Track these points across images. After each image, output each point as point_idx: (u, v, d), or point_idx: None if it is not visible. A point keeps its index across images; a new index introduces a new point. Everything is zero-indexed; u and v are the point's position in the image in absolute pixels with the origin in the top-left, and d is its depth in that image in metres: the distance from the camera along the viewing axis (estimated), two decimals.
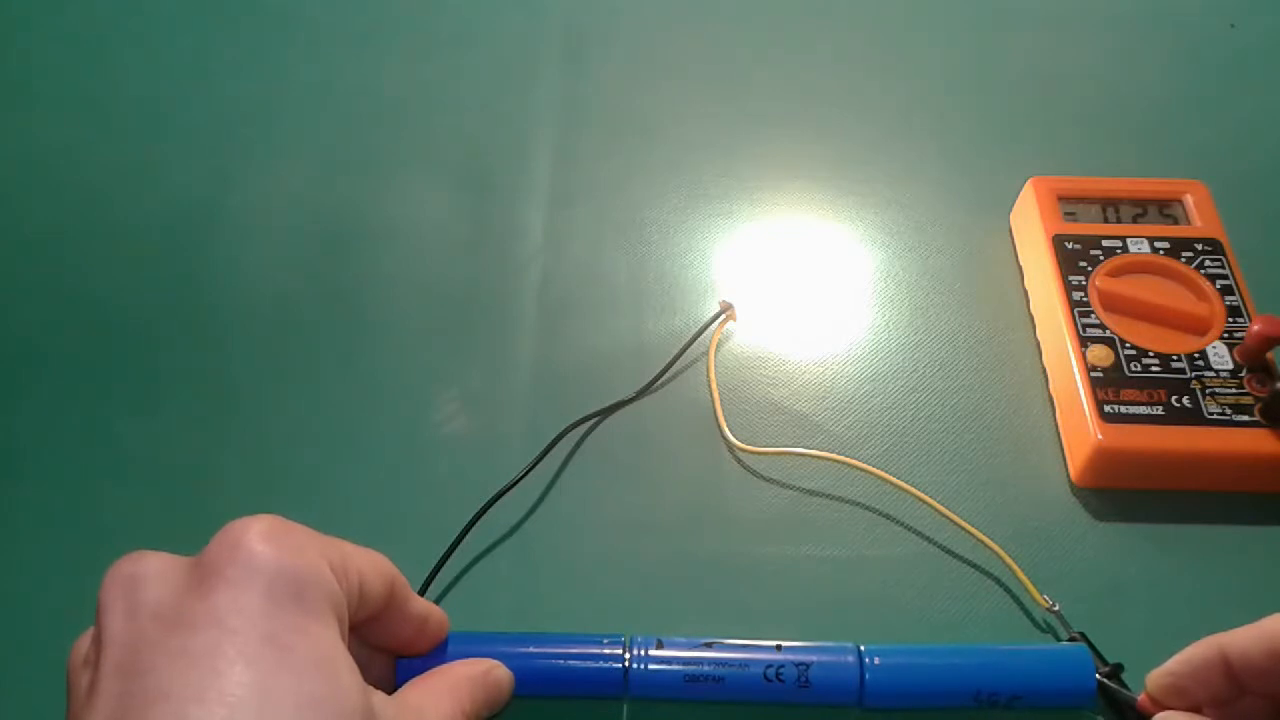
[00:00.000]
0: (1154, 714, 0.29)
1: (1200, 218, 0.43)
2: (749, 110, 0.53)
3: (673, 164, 0.50)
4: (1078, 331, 0.40)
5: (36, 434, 0.41)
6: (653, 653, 0.31)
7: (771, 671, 0.31)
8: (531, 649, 0.31)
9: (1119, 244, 0.42)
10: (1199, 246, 0.42)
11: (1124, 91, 0.53)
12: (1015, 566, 0.35)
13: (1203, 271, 0.41)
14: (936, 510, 0.37)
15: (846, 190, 0.49)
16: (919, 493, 0.37)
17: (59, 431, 0.41)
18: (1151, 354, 0.39)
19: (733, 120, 0.52)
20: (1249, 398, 0.37)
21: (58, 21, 0.58)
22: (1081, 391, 0.38)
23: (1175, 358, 0.39)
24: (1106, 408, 0.37)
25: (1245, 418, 0.37)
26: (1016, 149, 0.50)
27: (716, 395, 0.41)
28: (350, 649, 0.24)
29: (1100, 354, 0.39)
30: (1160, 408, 0.37)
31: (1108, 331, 0.40)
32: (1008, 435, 0.40)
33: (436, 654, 0.31)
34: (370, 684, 0.24)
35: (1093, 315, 0.40)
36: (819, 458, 0.39)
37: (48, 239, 0.48)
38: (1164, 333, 0.40)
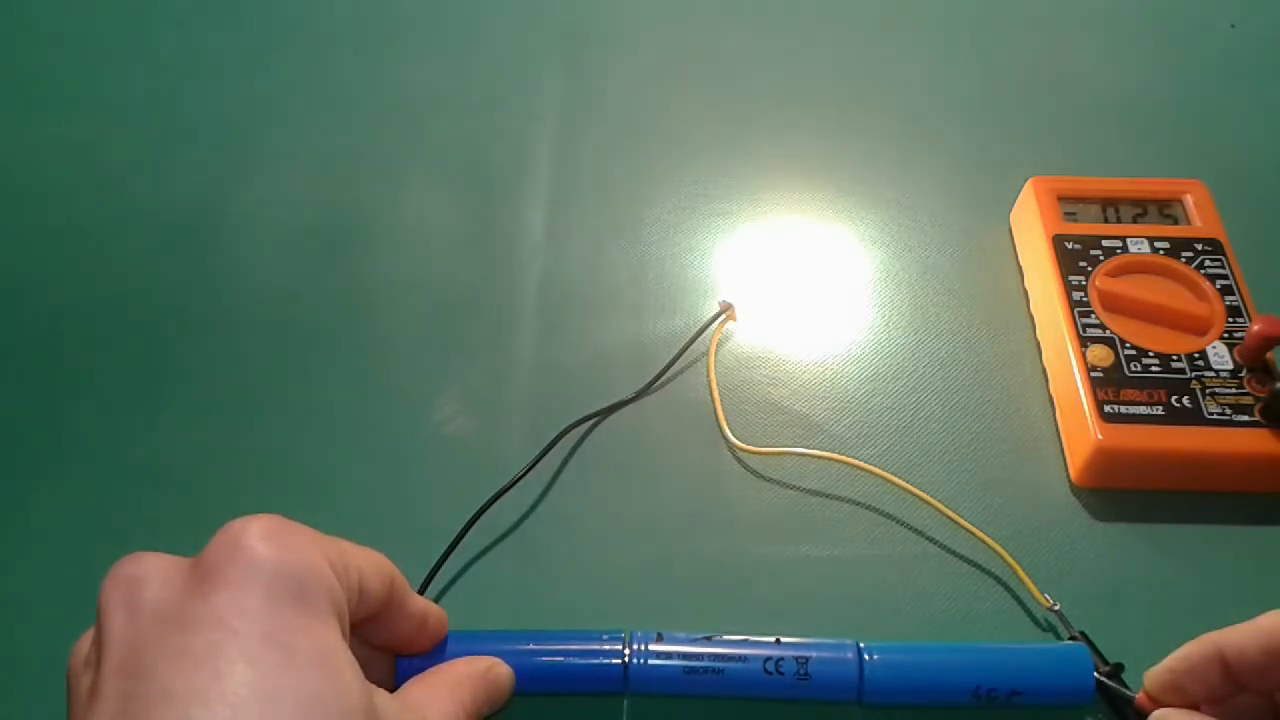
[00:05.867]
0: (1152, 711, 0.29)
1: (1200, 218, 0.43)
2: (749, 110, 0.53)
3: (673, 164, 0.50)
4: (1078, 331, 0.40)
5: (37, 434, 0.41)
6: (652, 647, 0.31)
7: (771, 664, 0.31)
8: (531, 646, 0.31)
9: (1119, 244, 0.42)
10: (1199, 246, 0.42)
11: (1124, 91, 0.53)
12: (1016, 566, 0.35)
13: (1203, 271, 0.41)
14: (937, 510, 0.37)
15: (846, 190, 0.49)
16: (919, 492, 0.37)
17: (60, 431, 0.41)
18: (1151, 354, 0.39)
19: (733, 120, 0.52)
20: (1249, 398, 0.37)
21: (61, 22, 0.58)
22: (1081, 391, 0.38)
23: (1175, 358, 0.39)
24: (1106, 408, 0.37)
25: (1245, 418, 0.37)
26: (1016, 149, 0.50)
27: (716, 395, 0.41)
28: (350, 648, 0.24)
29: (1100, 354, 0.39)
30: (1160, 408, 0.37)
31: (1108, 331, 0.40)
32: (1008, 435, 0.40)
33: (436, 653, 0.31)
34: (371, 683, 0.24)
35: (1093, 315, 0.40)
36: (819, 458, 0.39)
37: (52, 239, 0.48)
38: (1164, 333, 0.40)
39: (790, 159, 0.51)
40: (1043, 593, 0.35)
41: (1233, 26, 0.56)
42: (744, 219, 0.48)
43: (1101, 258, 0.42)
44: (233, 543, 0.23)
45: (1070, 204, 0.44)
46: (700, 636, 0.32)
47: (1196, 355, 0.39)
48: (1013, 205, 0.47)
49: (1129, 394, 0.38)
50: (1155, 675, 0.29)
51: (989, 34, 0.56)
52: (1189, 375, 0.38)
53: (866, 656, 0.31)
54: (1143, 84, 0.53)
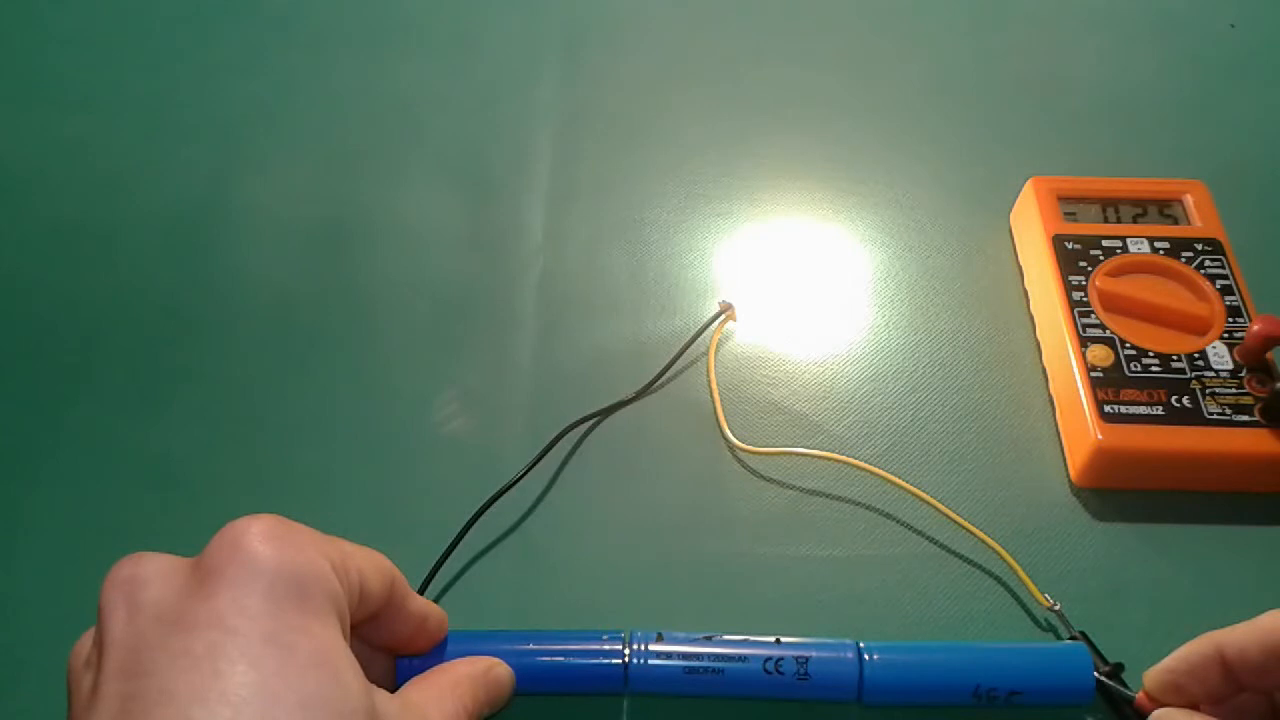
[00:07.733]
0: (1152, 711, 0.29)
1: (1200, 218, 0.43)
2: (749, 110, 0.53)
3: (673, 164, 0.50)
4: (1078, 331, 0.40)
5: (37, 434, 0.41)
6: (652, 646, 0.31)
7: (771, 664, 0.31)
8: (531, 646, 0.31)
9: (1119, 244, 0.42)
10: (1199, 246, 0.42)
11: (1124, 91, 0.53)
12: (1016, 566, 0.35)
13: (1203, 271, 0.41)
14: (937, 510, 0.37)
15: (846, 190, 0.49)
16: (919, 492, 0.37)
17: (60, 431, 0.41)
18: (1151, 354, 0.39)
19: (732, 120, 0.52)
20: (1249, 398, 0.38)
21: (62, 21, 0.58)
22: (1081, 391, 0.38)
23: (1175, 358, 0.39)
24: (1106, 408, 0.37)
25: (1245, 418, 0.37)
26: (1016, 149, 0.50)
27: (716, 395, 0.41)
28: (351, 648, 0.24)
29: (1100, 354, 0.39)
30: (1160, 408, 0.37)
31: (1108, 331, 0.40)
32: (1008, 435, 0.40)
33: (436, 653, 0.31)
34: (371, 683, 0.24)
35: (1093, 315, 0.40)
36: (819, 458, 0.39)
37: (52, 238, 0.48)
38: (1164, 333, 0.40)
39: (790, 159, 0.51)
40: (1043, 593, 0.35)
41: (1233, 26, 0.56)
42: (744, 219, 0.48)
43: (1101, 258, 0.42)
44: (233, 543, 0.23)
45: (1070, 204, 0.44)
46: (700, 636, 0.32)
47: (1196, 355, 0.39)
48: (1013, 205, 0.47)
49: (1129, 394, 0.38)
50: (1155, 675, 0.29)
51: (989, 34, 0.56)
52: (1189, 375, 0.38)
53: (866, 656, 0.31)
54: (1143, 84, 0.53)
